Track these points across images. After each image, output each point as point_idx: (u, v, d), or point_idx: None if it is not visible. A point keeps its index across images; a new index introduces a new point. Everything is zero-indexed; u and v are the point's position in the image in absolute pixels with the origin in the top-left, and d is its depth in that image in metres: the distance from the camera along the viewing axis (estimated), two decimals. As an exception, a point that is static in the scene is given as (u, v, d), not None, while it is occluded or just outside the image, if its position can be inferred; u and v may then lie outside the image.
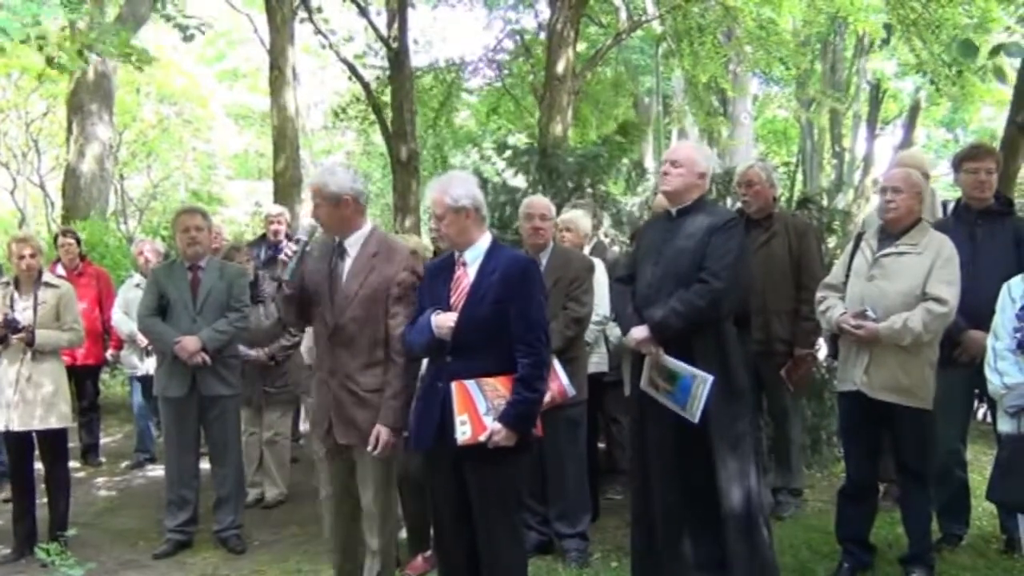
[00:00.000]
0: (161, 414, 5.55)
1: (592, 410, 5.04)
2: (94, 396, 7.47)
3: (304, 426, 7.81)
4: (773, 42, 13.29)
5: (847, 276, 4.16)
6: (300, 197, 11.59)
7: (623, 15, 13.36)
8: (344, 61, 12.42)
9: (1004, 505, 4.02)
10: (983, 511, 4.80)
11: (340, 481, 3.87)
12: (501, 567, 3.38)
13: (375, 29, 12.23)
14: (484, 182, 6.57)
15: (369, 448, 3.63)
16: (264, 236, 7.74)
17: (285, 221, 7.73)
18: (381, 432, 3.61)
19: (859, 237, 4.26)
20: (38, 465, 5.29)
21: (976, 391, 4.55)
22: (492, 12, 17.55)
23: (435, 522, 3.67)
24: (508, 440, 3.26)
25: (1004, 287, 3.77)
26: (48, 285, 5.19)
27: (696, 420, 3.63)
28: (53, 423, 5.07)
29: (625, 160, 7.36)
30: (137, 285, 6.68)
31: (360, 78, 12.48)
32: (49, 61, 6.00)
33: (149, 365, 6.62)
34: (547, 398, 3.80)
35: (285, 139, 11.45)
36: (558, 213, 5.13)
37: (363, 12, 12.26)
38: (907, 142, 20.12)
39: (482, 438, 3.26)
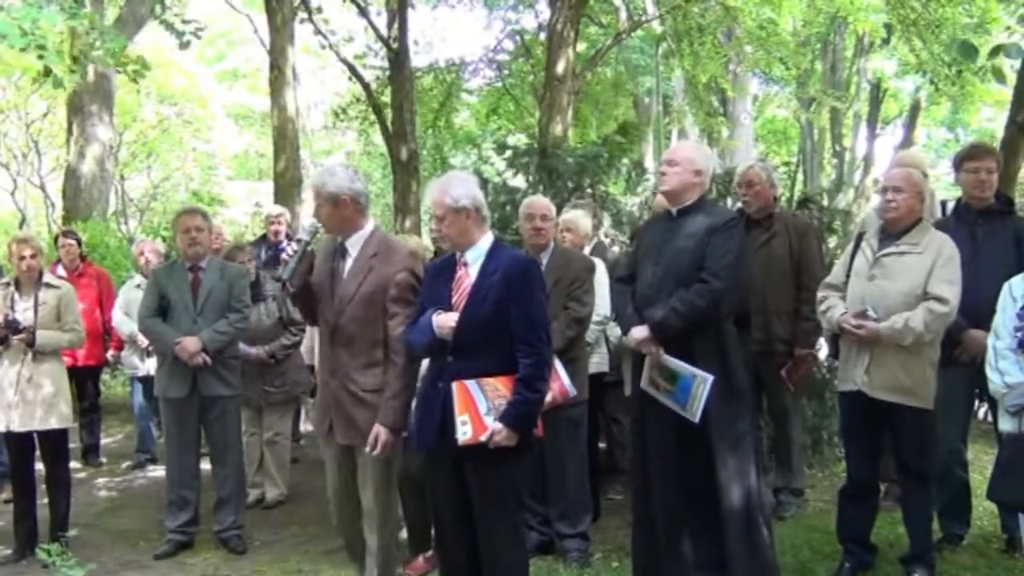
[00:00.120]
0: (162, 415, 5.55)
1: (593, 410, 5.04)
2: (95, 397, 7.47)
3: (305, 426, 7.82)
4: (773, 42, 13.29)
5: (848, 276, 4.15)
6: (300, 197, 11.59)
7: (623, 15, 13.36)
8: (344, 61, 12.42)
9: (1005, 504, 4.03)
10: (984, 511, 4.80)
11: (343, 481, 3.87)
12: (502, 567, 3.38)
13: (375, 29, 12.23)
14: (484, 182, 6.57)
15: (367, 448, 3.63)
16: (264, 236, 7.75)
17: (285, 221, 7.74)
18: (380, 432, 3.60)
19: (860, 237, 4.26)
20: (39, 466, 5.30)
21: (977, 390, 4.54)
22: (492, 12, 17.57)
23: (436, 522, 3.67)
24: (509, 440, 3.26)
25: (1005, 286, 3.77)
26: (49, 286, 5.19)
27: (696, 420, 3.64)
28: (54, 424, 5.07)
29: (625, 160, 7.36)
30: (138, 286, 6.68)
31: (360, 78, 12.49)
32: (47, 72, 5.99)
33: (150, 366, 6.62)
34: (548, 398, 3.80)
35: (285, 139, 11.45)
36: (558, 213, 5.13)
37: (363, 12, 12.27)
38: (907, 142, 20.13)
39: (483, 438, 3.26)
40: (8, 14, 5.86)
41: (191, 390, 5.11)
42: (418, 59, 14.61)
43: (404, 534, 4.63)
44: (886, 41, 16.08)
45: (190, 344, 5.01)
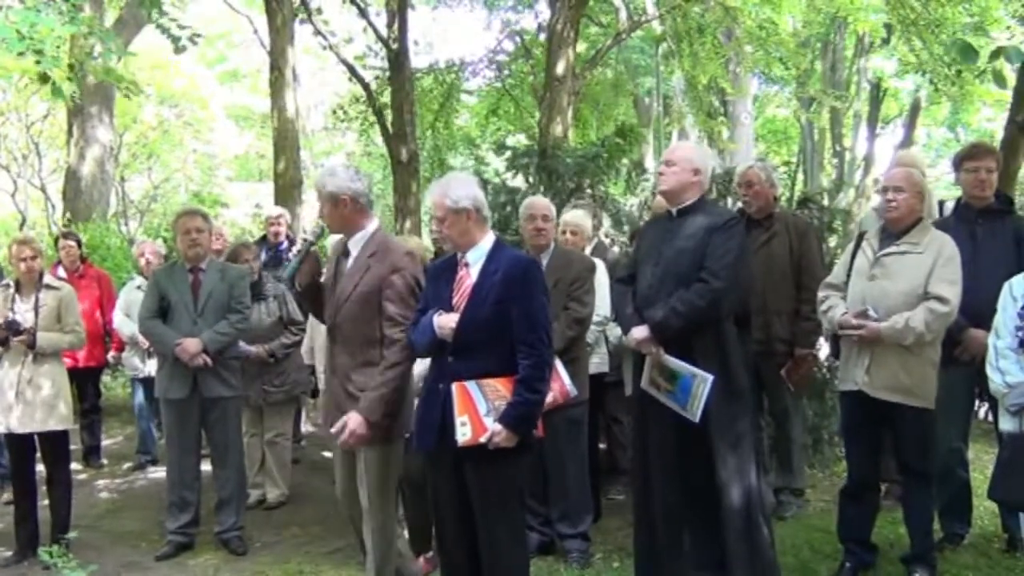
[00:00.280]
0: (162, 416, 5.55)
1: (593, 410, 5.04)
2: (96, 398, 7.47)
3: (305, 427, 7.82)
4: (773, 42, 13.29)
5: (848, 276, 4.16)
6: (300, 198, 11.59)
7: (623, 15, 13.35)
8: (344, 62, 12.41)
9: (1006, 504, 4.03)
10: (985, 510, 4.80)
11: (347, 479, 3.89)
12: (502, 568, 3.38)
13: (375, 30, 12.22)
14: (484, 183, 6.57)
15: (333, 430, 3.64)
16: (264, 238, 7.75)
17: (285, 222, 7.74)
18: (350, 419, 3.60)
19: (860, 236, 4.26)
20: (40, 467, 5.30)
21: (977, 390, 4.55)
22: (492, 13, 17.56)
23: (437, 523, 3.68)
24: (508, 441, 3.26)
25: (1005, 286, 3.77)
26: (49, 287, 5.19)
27: (697, 420, 3.64)
28: (54, 425, 5.07)
29: (625, 161, 7.36)
30: (139, 287, 6.68)
31: (360, 79, 12.48)
32: (44, 78, 5.99)
33: (151, 367, 6.62)
34: (549, 398, 3.80)
35: (285, 140, 11.44)
36: (558, 214, 5.13)
37: (363, 13, 12.26)
38: (908, 141, 20.11)
39: (482, 439, 3.26)
40: (6, 17, 5.86)
41: (192, 391, 5.12)
42: (418, 60, 14.60)
43: (405, 535, 4.63)
44: (886, 41, 16.07)
45: (191, 345, 5.01)
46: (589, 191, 6.79)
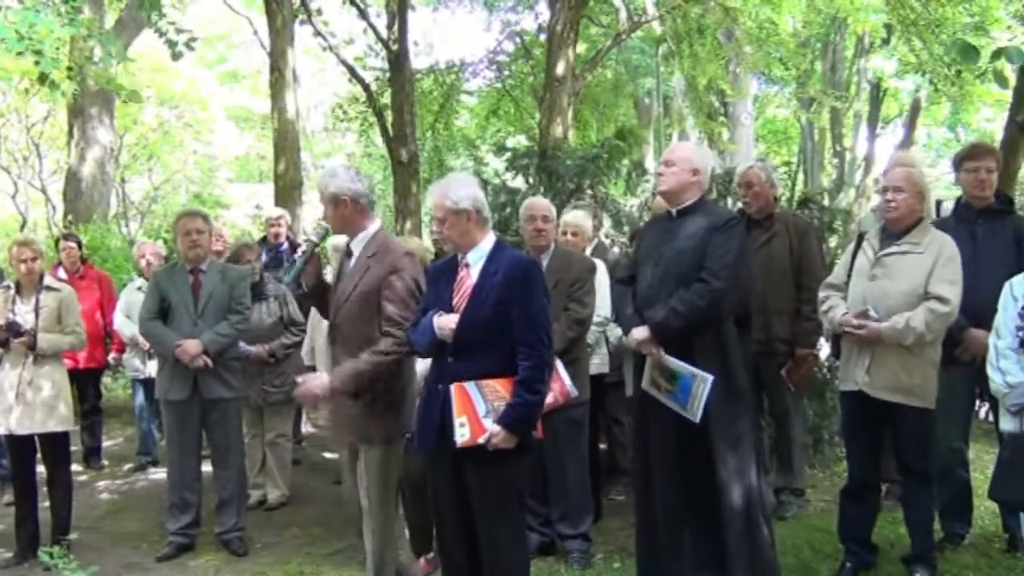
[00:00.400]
0: (163, 417, 5.55)
1: (594, 411, 5.05)
2: (96, 399, 7.47)
3: (306, 427, 7.82)
4: (773, 42, 13.29)
5: (849, 276, 4.16)
6: (301, 199, 11.60)
7: (623, 16, 13.34)
8: (344, 63, 12.41)
9: (1006, 504, 4.03)
10: (985, 510, 4.79)
11: (355, 481, 3.90)
12: (502, 568, 3.38)
13: (375, 31, 12.23)
14: (484, 184, 6.57)
15: (297, 392, 3.74)
16: (265, 239, 7.75)
17: (285, 224, 7.74)
18: (318, 377, 3.73)
19: (861, 237, 4.25)
20: (40, 468, 5.30)
21: (978, 390, 4.54)
22: (492, 14, 17.56)
23: (437, 523, 3.68)
24: (507, 442, 3.26)
25: (1006, 286, 3.77)
26: (49, 289, 5.19)
27: (697, 420, 3.64)
28: (54, 426, 5.07)
29: (625, 161, 7.36)
30: (139, 288, 6.68)
31: (360, 80, 12.48)
32: (42, 78, 5.99)
33: (151, 368, 6.62)
34: (550, 399, 3.81)
35: (286, 141, 11.44)
36: (558, 215, 5.13)
37: (363, 14, 12.26)
38: (908, 141, 20.11)
39: (481, 440, 3.26)
40: (5, 17, 5.86)
41: (192, 392, 5.12)
42: (418, 61, 14.61)
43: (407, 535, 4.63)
44: (886, 41, 16.07)
45: (191, 347, 5.01)
46: (589, 192, 6.79)
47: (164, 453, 6.05)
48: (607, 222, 6.62)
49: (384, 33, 12.02)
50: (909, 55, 13.58)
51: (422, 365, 3.90)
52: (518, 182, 7.02)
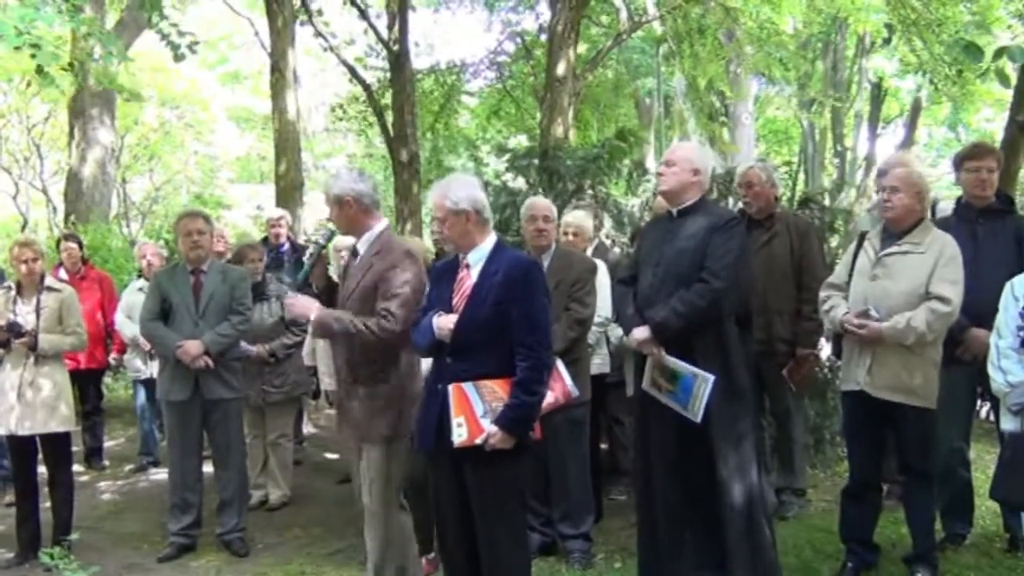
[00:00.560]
0: (164, 418, 5.55)
1: (595, 411, 5.04)
2: (98, 400, 7.47)
3: (307, 428, 7.83)
4: (774, 42, 13.28)
5: (850, 275, 4.15)
6: (302, 200, 11.59)
7: (623, 16, 13.33)
8: (345, 64, 12.42)
9: (1007, 503, 4.02)
10: (986, 510, 4.79)
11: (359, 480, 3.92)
12: (503, 568, 3.38)
13: (376, 32, 12.23)
14: (485, 185, 6.56)
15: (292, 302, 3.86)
16: (266, 239, 7.75)
17: (286, 224, 7.75)
18: (313, 304, 3.82)
19: (862, 236, 4.25)
20: (42, 469, 5.30)
21: (979, 389, 4.54)
22: (493, 14, 17.55)
23: (438, 523, 3.68)
24: (504, 443, 3.26)
25: (1007, 285, 3.77)
26: (50, 289, 5.19)
27: (698, 420, 3.64)
28: (55, 427, 5.07)
29: (626, 161, 7.35)
30: (140, 289, 6.69)
31: (361, 81, 12.48)
32: (39, 70, 5.99)
33: (153, 368, 6.63)
34: (551, 399, 3.80)
35: (287, 142, 11.44)
36: (559, 215, 5.13)
37: (364, 15, 12.26)
38: (909, 141, 20.11)
39: (478, 441, 3.26)
40: (3, 12, 5.85)
41: (193, 393, 5.12)
42: (419, 61, 14.60)
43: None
44: (887, 41, 16.07)
45: (192, 348, 5.02)
46: (590, 192, 6.78)
47: (165, 454, 6.05)
48: (608, 222, 6.62)
49: (385, 34, 12.02)
50: (910, 55, 13.56)
51: (427, 363, 3.91)
52: (519, 183, 7.02)
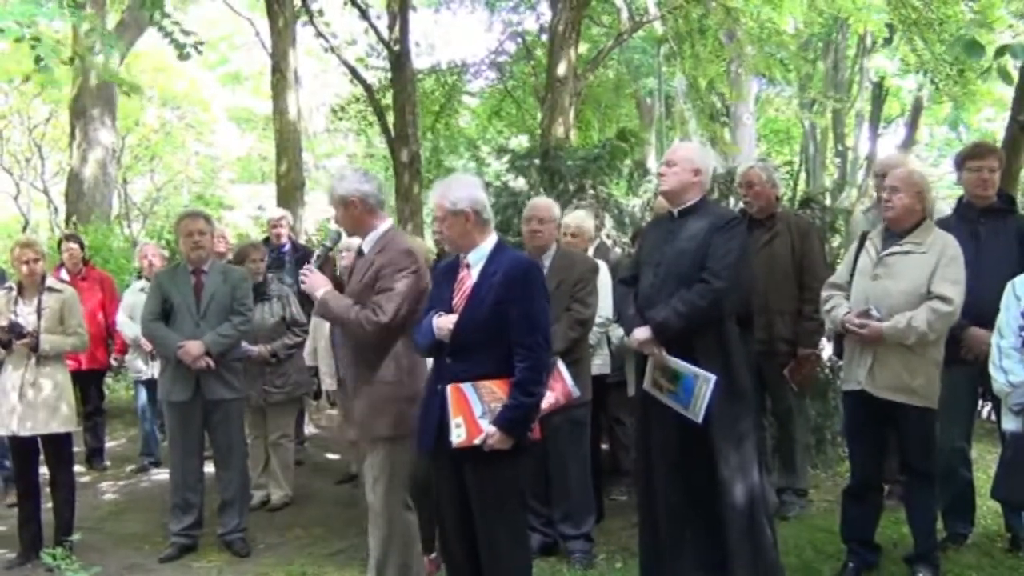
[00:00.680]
0: (165, 418, 5.55)
1: (596, 411, 5.04)
2: (99, 400, 7.47)
3: (308, 428, 7.83)
4: (775, 42, 13.27)
5: (852, 275, 4.15)
6: (303, 200, 11.59)
7: (624, 16, 13.33)
8: (346, 64, 12.42)
9: (1009, 503, 4.02)
10: (988, 510, 4.79)
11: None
12: (503, 569, 3.38)
13: (376, 32, 12.23)
14: (485, 185, 6.55)
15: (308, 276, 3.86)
16: (267, 240, 7.76)
17: (287, 224, 7.74)
18: (325, 282, 3.85)
19: (864, 236, 4.25)
20: (43, 469, 5.30)
21: (980, 389, 4.54)
22: (493, 14, 17.55)
23: (439, 522, 3.69)
24: (503, 443, 3.26)
25: (1008, 285, 3.77)
26: (51, 290, 5.19)
27: (700, 420, 3.64)
28: (57, 428, 5.07)
29: (627, 161, 7.35)
30: (141, 289, 6.69)
31: (362, 81, 12.49)
32: (37, 61, 5.99)
33: (154, 369, 6.63)
34: (552, 400, 3.82)
35: (287, 142, 11.44)
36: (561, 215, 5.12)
37: (364, 15, 12.26)
38: (910, 141, 20.10)
39: (476, 441, 3.27)
40: (4, 5, 5.85)
41: (194, 394, 5.12)
42: (419, 61, 14.61)
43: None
44: (888, 41, 16.06)
45: (193, 348, 5.02)
46: (592, 192, 6.78)
47: (166, 454, 6.05)
48: (609, 222, 6.61)
49: (386, 34, 12.02)
50: (911, 55, 13.56)
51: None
52: (520, 183, 7.02)
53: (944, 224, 4.28)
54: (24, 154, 18.69)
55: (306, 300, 6.29)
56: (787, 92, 19.09)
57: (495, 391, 3.30)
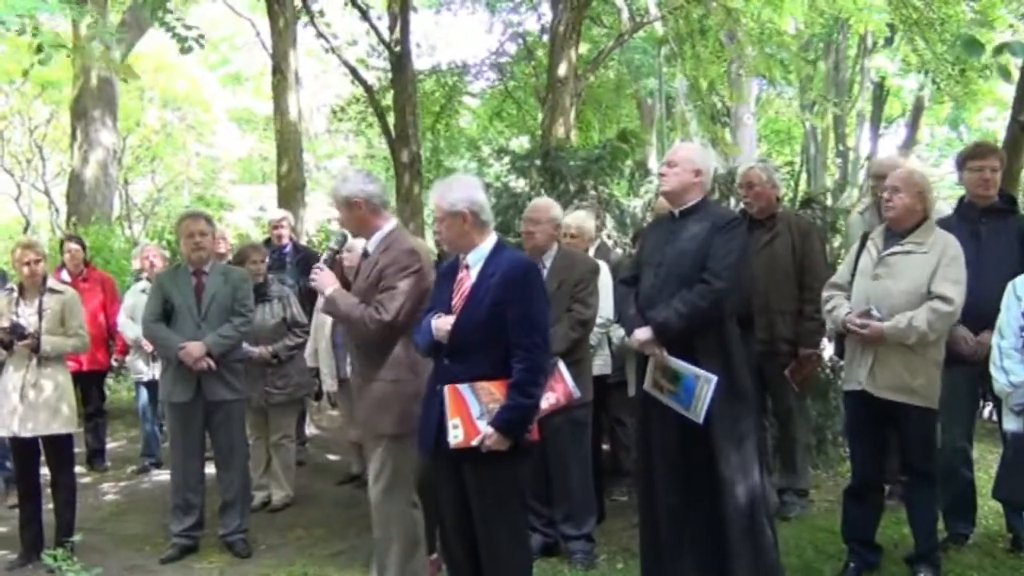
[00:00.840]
0: (166, 419, 5.55)
1: (596, 412, 5.04)
2: (100, 401, 7.47)
3: (309, 429, 7.83)
4: (776, 43, 13.27)
5: (853, 275, 4.15)
6: (304, 201, 11.60)
7: (625, 16, 13.34)
8: (346, 64, 12.42)
9: (1010, 503, 4.03)
10: (989, 510, 4.79)
11: None
12: (503, 569, 3.38)
13: (377, 33, 12.24)
14: (485, 186, 6.55)
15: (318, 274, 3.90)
16: (268, 240, 7.76)
17: (288, 225, 7.74)
18: (333, 280, 3.87)
19: (865, 236, 4.26)
20: (44, 470, 5.30)
21: (981, 390, 4.54)
22: (494, 15, 17.55)
23: (440, 522, 3.69)
24: (500, 444, 3.26)
25: (1009, 285, 3.77)
26: (53, 291, 5.19)
27: (700, 421, 3.64)
28: (58, 428, 5.07)
29: (628, 162, 7.35)
30: (143, 290, 6.69)
31: (363, 81, 12.49)
32: (39, 50, 5.99)
33: (155, 370, 6.63)
34: (553, 400, 3.82)
35: (288, 143, 11.45)
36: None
37: (365, 16, 12.27)
38: (911, 141, 20.10)
39: (474, 442, 3.27)
40: (6, 3, 5.85)
41: (195, 394, 5.12)
42: (420, 62, 14.61)
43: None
44: (889, 41, 16.05)
45: (194, 349, 5.02)
46: (592, 193, 6.78)
47: (167, 455, 6.05)
48: (610, 223, 6.61)
49: (386, 35, 12.03)
50: (912, 55, 13.55)
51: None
52: (520, 184, 7.01)
53: (945, 224, 4.28)
54: (25, 155, 18.71)
55: (307, 301, 6.33)
56: (788, 93, 19.08)
57: (493, 392, 3.29)
